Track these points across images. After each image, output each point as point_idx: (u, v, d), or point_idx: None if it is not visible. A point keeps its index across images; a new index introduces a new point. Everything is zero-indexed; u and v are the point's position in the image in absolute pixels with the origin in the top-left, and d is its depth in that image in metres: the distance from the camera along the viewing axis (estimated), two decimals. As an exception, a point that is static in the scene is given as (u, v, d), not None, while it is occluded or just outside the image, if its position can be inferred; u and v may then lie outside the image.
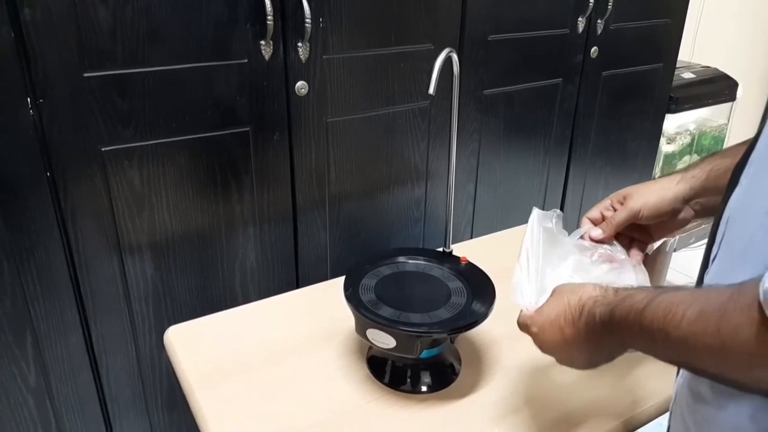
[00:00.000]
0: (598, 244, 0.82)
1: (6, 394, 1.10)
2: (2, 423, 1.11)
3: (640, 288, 0.59)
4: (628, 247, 0.85)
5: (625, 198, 0.84)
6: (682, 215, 0.81)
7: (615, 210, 0.84)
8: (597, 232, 0.83)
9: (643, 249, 0.87)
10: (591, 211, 0.86)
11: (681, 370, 0.64)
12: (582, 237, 0.84)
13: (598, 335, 0.62)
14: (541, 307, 0.71)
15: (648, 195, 0.82)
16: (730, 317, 0.46)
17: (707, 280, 0.60)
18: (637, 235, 0.86)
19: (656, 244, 0.85)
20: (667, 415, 0.73)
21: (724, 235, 0.57)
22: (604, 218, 0.85)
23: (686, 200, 0.81)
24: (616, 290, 0.62)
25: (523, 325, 0.73)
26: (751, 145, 0.59)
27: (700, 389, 0.58)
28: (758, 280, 0.44)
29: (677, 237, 2.20)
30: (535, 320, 0.70)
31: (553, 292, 0.71)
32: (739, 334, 0.45)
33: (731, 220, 0.57)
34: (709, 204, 0.81)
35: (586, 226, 0.85)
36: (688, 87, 2.23)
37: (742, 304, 0.45)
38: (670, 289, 0.55)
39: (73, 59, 0.98)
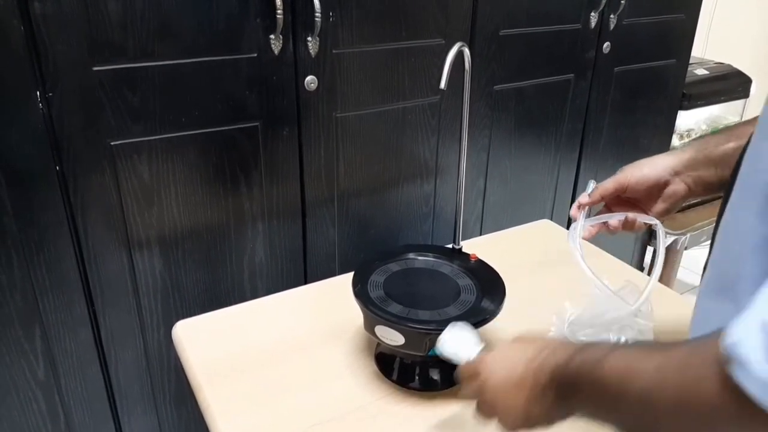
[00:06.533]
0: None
1: (15, 388, 1.10)
2: (11, 417, 1.12)
3: (603, 343, 0.56)
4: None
5: (618, 172, 0.86)
6: (672, 187, 0.82)
7: None
8: (584, 199, 0.86)
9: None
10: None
11: None
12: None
13: (547, 384, 0.57)
14: (498, 348, 0.66)
15: (635, 166, 0.84)
16: (692, 370, 0.44)
17: (700, 294, 0.59)
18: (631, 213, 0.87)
19: (658, 222, 0.85)
20: None
21: (714, 246, 0.58)
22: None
23: (676, 172, 0.81)
24: (581, 343, 0.59)
25: (473, 369, 0.67)
26: (740, 156, 0.57)
27: None
28: (718, 336, 0.42)
29: (688, 235, 2.17)
30: (488, 361, 0.65)
31: (515, 338, 0.66)
32: (700, 386, 0.43)
33: (720, 238, 0.56)
34: (701, 177, 0.80)
35: (581, 216, 0.87)
36: (701, 83, 2.21)
37: (704, 357, 0.43)
38: (631, 345, 0.54)
39: (82, 53, 0.98)
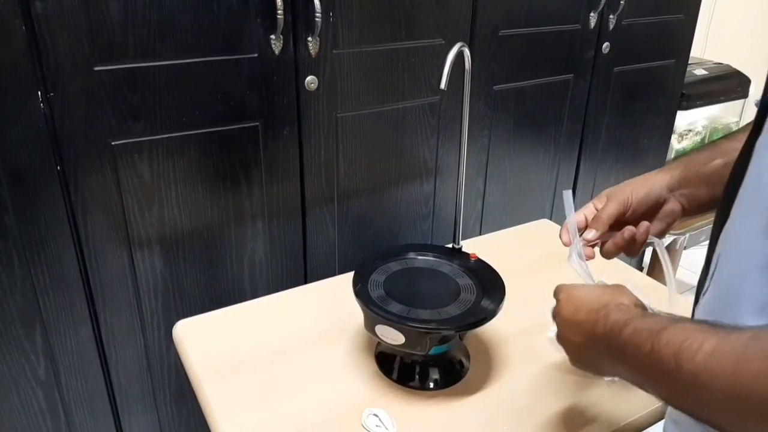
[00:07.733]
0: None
1: (15, 387, 1.11)
2: (12, 416, 1.12)
3: (663, 314, 0.55)
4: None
5: (608, 197, 0.81)
6: (669, 205, 0.80)
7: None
8: (591, 234, 0.79)
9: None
10: (575, 214, 0.82)
11: None
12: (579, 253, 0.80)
13: (600, 337, 0.60)
14: (584, 285, 0.70)
15: (633, 185, 0.81)
16: (751, 362, 0.41)
17: (698, 312, 0.58)
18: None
19: (656, 240, 0.81)
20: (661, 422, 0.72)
21: (716, 269, 0.56)
22: (587, 221, 0.81)
23: (670, 189, 0.80)
24: (645, 308, 0.60)
25: (558, 290, 0.72)
26: (734, 170, 0.55)
27: None
28: None
29: (687, 235, 2.17)
30: (568, 291, 0.69)
31: (602, 284, 0.70)
32: (758, 382, 0.41)
33: (722, 256, 0.55)
34: (694, 196, 0.79)
35: (576, 237, 0.80)
36: (700, 84, 2.21)
37: (764, 351, 0.40)
38: (687, 321, 0.51)
39: (84, 53, 0.98)
